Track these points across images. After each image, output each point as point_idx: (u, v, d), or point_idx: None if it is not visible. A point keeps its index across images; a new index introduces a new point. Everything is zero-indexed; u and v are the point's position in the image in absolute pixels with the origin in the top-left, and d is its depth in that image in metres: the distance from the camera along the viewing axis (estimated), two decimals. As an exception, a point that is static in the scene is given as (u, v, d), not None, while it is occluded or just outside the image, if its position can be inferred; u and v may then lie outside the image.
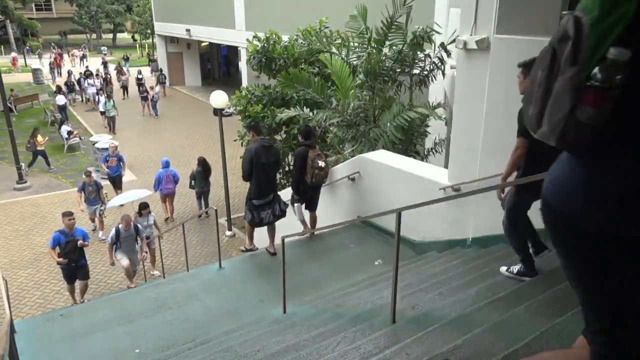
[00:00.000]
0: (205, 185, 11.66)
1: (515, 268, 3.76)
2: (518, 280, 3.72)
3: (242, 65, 23.68)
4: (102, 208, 10.56)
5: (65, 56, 37.22)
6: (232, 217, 10.90)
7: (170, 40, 28.62)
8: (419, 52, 8.51)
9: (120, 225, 7.98)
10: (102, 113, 18.92)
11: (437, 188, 5.50)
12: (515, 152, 3.47)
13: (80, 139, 17.14)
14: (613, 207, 1.19)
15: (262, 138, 6.26)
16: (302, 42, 10.35)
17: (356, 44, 9.17)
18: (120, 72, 28.19)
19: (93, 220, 10.55)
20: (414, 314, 3.54)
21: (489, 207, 4.39)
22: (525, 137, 3.37)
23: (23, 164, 13.66)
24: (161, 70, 27.62)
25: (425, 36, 8.28)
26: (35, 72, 29.21)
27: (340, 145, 8.58)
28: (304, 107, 8.93)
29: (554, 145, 1.22)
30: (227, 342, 4.13)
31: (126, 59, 33.05)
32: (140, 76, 23.84)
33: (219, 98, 9.71)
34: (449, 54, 8.29)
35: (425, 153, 8.83)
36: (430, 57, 8.64)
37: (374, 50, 8.46)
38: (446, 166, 6.11)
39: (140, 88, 22.58)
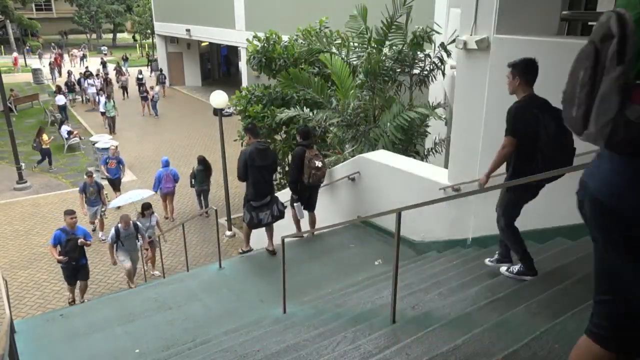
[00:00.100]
0: (206, 184, 11.72)
1: (515, 268, 3.76)
2: (518, 280, 3.72)
3: (242, 65, 23.68)
4: (103, 209, 10.55)
5: (65, 56, 37.21)
6: (232, 217, 10.91)
7: (170, 40, 28.62)
8: (419, 52, 8.51)
9: (119, 225, 7.98)
10: (103, 113, 18.92)
11: (437, 188, 5.50)
12: (502, 150, 3.47)
13: (80, 139, 17.14)
14: None
15: (257, 141, 6.29)
16: (302, 42, 10.35)
17: (356, 44, 9.17)
18: (119, 72, 28.18)
19: (93, 223, 10.48)
20: (414, 314, 3.53)
21: (489, 207, 4.39)
22: (514, 136, 3.38)
23: (23, 164, 13.67)
24: (161, 70, 27.63)
25: (425, 36, 8.28)
26: (35, 72, 29.23)
27: (340, 146, 8.58)
28: (304, 107, 8.93)
29: (602, 146, 1.20)
30: (227, 342, 4.13)
31: (125, 59, 33.04)
32: (140, 76, 23.85)
33: (219, 98, 9.71)
34: (449, 54, 8.29)
35: (425, 153, 8.83)
36: (430, 57, 8.64)
37: (374, 50, 8.46)
38: (446, 166, 6.11)
39: (141, 88, 22.60)
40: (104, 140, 14.48)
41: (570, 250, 4.15)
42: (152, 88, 22.47)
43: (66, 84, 23.61)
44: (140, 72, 24.53)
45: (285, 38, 10.80)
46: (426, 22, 8.74)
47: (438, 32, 8.62)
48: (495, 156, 3.53)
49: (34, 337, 5.30)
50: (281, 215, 6.50)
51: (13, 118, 16.37)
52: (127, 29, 52.09)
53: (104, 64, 30.39)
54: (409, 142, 8.23)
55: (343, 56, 9.08)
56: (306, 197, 6.82)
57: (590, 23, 6.34)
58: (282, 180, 10.78)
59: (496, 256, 4.09)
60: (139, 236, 8.26)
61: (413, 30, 8.33)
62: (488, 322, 2.97)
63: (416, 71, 8.70)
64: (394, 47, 8.50)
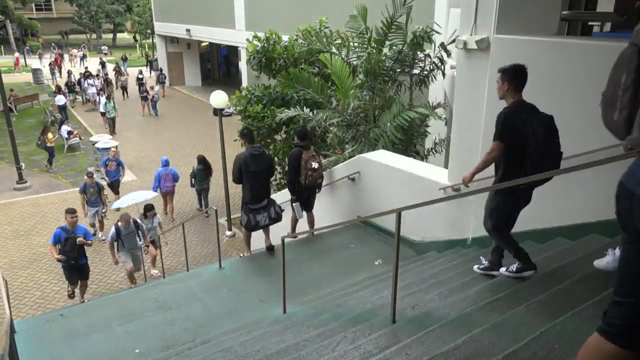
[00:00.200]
0: (205, 183, 11.79)
1: (514, 266, 3.76)
2: (518, 279, 3.72)
3: (242, 65, 23.68)
4: (103, 210, 10.54)
5: (65, 56, 37.20)
6: (232, 217, 10.91)
7: (170, 40, 28.62)
8: (419, 52, 8.51)
9: (119, 223, 7.96)
10: (103, 114, 18.91)
11: (437, 188, 5.50)
12: (489, 154, 3.49)
13: (80, 139, 17.15)
14: None
15: (252, 146, 6.31)
16: (302, 42, 10.35)
17: (356, 44, 9.17)
18: (118, 72, 28.18)
19: (93, 226, 10.34)
20: (414, 314, 3.53)
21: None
22: (501, 141, 3.41)
23: (23, 164, 13.66)
24: (161, 69, 27.62)
25: (425, 36, 8.29)
26: (35, 72, 29.24)
27: (340, 145, 8.58)
28: (304, 107, 8.93)
29: None
30: (227, 342, 4.13)
31: (124, 59, 33.04)
32: (140, 76, 23.84)
33: (219, 98, 9.71)
34: (449, 54, 8.29)
35: (425, 153, 8.83)
36: (430, 57, 8.64)
37: (374, 50, 8.46)
38: (446, 166, 6.11)
39: (141, 88, 22.59)
40: (104, 140, 14.49)
41: (570, 250, 4.15)
42: (152, 88, 22.47)
43: (66, 84, 23.61)
44: (140, 72, 24.52)
45: (285, 38, 10.80)
46: (426, 22, 8.75)
47: (438, 32, 8.62)
48: (482, 158, 3.57)
49: (34, 337, 5.30)
50: (278, 218, 6.55)
51: (13, 118, 16.38)
52: (127, 29, 52.09)
53: (102, 64, 30.36)
54: (409, 142, 8.23)
55: (343, 56, 9.08)
56: (304, 198, 6.84)
57: (590, 23, 6.34)
58: (282, 180, 10.78)
59: (486, 263, 4.06)
60: (140, 234, 8.25)
61: (413, 30, 8.34)
62: (488, 322, 2.98)
63: (416, 71, 8.70)
64: (394, 47, 8.50)
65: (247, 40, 11.06)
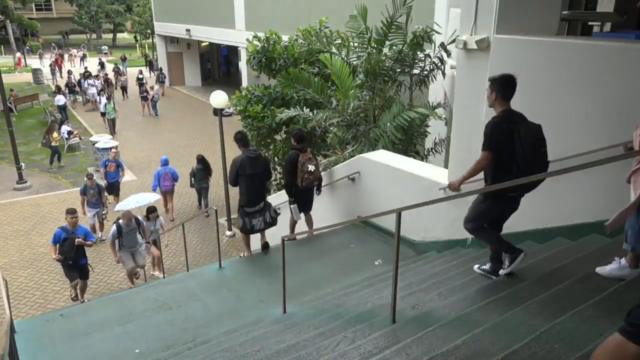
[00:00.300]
0: (205, 182, 11.82)
1: (506, 263, 3.81)
2: (515, 279, 3.72)
3: (242, 65, 23.68)
4: (104, 212, 10.53)
5: (65, 56, 37.18)
6: (232, 217, 10.90)
7: (170, 40, 28.62)
8: (419, 52, 8.51)
9: (120, 221, 7.95)
10: (103, 114, 18.91)
11: (437, 188, 5.50)
12: (478, 163, 3.55)
13: (80, 139, 17.15)
14: None
15: (248, 149, 6.32)
16: (302, 42, 10.36)
17: (356, 44, 9.17)
18: (118, 72, 28.16)
19: (93, 228, 10.22)
20: (414, 314, 3.53)
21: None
22: (490, 151, 3.46)
23: (23, 164, 13.67)
24: (161, 69, 27.59)
25: (425, 36, 8.29)
26: (35, 72, 29.23)
27: (340, 145, 8.58)
28: (304, 107, 8.93)
29: None
30: (227, 342, 4.13)
31: (123, 59, 33.03)
32: (140, 76, 23.84)
33: (219, 98, 9.70)
34: (449, 54, 8.29)
35: (425, 153, 8.83)
36: (430, 57, 8.64)
37: (374, 50, 8.47)
38: (446, 166, 6.11)
39: (141, 88, 22.58)
40: (104, 140, 14.50)
41: (570, 250, 4.15)
42: (152, 88, 22.47)
43: (66, 84, 23.60)
44: (140, 72, 24.53)
45: (285, 38, 10.80)
46: (426, 22, 8.75)
47: (438, 32, 8.63)
48: (470, 167, 3.62)
49: (34, 337, 5.30)
50: (273, 222, 6.57)
51: (13, 118, 16.38)
52: (127, 29, 52.07)
53: (101, 64, 30.32)
54: (409, 142, 8.23)
55: (343, 56, 9.08)
56: (302, 200, 6.89)
57: (590, 23, 6.34)
58: (282, 181, 10.78)
59: (487, 267, 4.06)
60: (140, 231, 8.24)
61: (413, 30, 8.34)
62: (488, 322, 2.98)
63: (416, 71, 8.70)
64: (394, 47, 8.50)
65: (247, 40, 11.06)
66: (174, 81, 29.17)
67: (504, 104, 3.53)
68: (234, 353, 3.74)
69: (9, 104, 17.07)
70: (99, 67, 29.47)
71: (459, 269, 4.44)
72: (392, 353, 2.86)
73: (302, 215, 6.92)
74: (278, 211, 6.83)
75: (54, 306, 7.98)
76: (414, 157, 7.91)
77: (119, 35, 52.27)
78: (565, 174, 2.68)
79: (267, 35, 10.65)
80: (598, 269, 3.37)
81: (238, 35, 20.23)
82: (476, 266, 4.10)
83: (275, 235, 6.56)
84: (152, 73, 31.08)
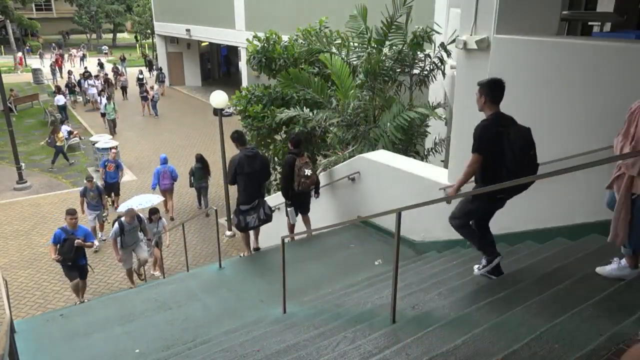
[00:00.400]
0: (204, 181, 11.84)
1: (483, 262, 3.88)
2: (514, 279, 3.72)
3: (242, 65, 23.68)
4: (104, 215, 10.52)
5: (65, 56, 37.18)
6: (232, 217, 10.90)
7: (170, 40, 28.61)
8: (419, 52, 8.51)
9: (123, 219, 7.93)
10: (103, 114, 18.90)
11: (437, 188, 5.49)
12: (470, 166, 3.59)
13: (80, 139, 17.15)
14: None
15: (245, 148, 6.33)
16: (302, 42, 10.35)
17: (356, 44, 9.17)
18: (117, 73, 28.14)
19: (93, 230, 10.10)
20: (414, 314, 3.53)
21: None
22: (480, 154, 3.51)
23: (23, 164, 13.67)
24: (160, 68, 27.57)
25: (425, 36, 8.29)
26: (35, 72, 29.22)
27: (340, 145, 8.58)
28: (304, 107, 8.93)
29: None
30: (227, 342, 4.13)
31: (122, 60, 33.01)
32: (140, 76, 23.84)
33: (219, 98, 9.70)
34: (449, 54, 8.29)
35: (425, 153, 8.83)
36: (430, 57, 8.64)
37: (374, 50, 8.46)
38: (446, 166, 6.11)
39: (141, 88, 22.58)
40: (104, 140, 14.49)
41: (570, 250, 4.15)
42: (152, 88, 22.46)
43: (66, 85, 23.58)
44: (140, 72, 24.52)
45: (285, 38, 10.80)
46: (426, 22, 8.75)
47: (438, 32, 8.63)
48: (463, 171, 3.67)
49: (34, 337, 5.30)
50: (268, 219, 6.59)
51: (13, 118, 16.38)
52: (127, 29, 52.07)
53: (101, 65, 30.30)
54: (409, 142, 8.23)
55: (343, 56, 9.08)
56: (299, 202, 6.93)
57: (590, 23, 6.34)
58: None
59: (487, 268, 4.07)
60: (142, 229, 8.22)
61: (413, 30, 8.34)
62: (488, 322, 2.98)
63: (416, 71, 8.70)
64: (394, 47, 8.50)
65: (247, 40, 11.06)
66: (174, 81, 29.17)
67: (493, 107, 3.57)
68: (234, 353, 3.74)
69: (9, 104, 17.07)
70: (98, 68, 29.46)
71: (458, 269, 4.44)
72: (392, 353, 2.86)
73: (298, 217, 6.96)
74: (273, 208, 6.85)
75: (54, 306, 7.98)
76: (414, 157, 7.91)
77: (119, 35, 52.26)
78: (565, 174, 2.68)
79: (267, 35, 10.65)
80: (598, 269, 3.37)
81: (238, 35, 20.23)
82: (476, 267, 4.10)
83: (274, 235, 6.56)
84: (151, 73, 31.05)
